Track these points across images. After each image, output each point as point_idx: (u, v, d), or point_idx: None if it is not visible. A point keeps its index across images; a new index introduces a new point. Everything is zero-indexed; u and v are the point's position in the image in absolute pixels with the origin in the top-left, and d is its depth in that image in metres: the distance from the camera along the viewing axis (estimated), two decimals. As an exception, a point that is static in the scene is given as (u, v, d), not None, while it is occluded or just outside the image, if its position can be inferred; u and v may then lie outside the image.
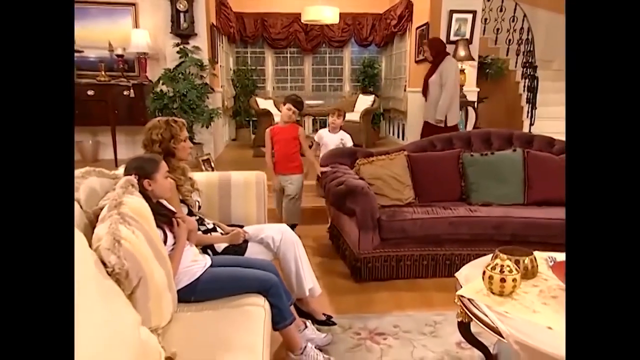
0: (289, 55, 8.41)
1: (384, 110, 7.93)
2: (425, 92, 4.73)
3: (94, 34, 5.37)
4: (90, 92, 5.10)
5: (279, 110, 7.19)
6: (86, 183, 1.80)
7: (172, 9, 5.10)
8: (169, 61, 5.17)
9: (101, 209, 1.65)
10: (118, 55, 5.28)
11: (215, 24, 5.94)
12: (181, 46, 5.09)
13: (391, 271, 3.04)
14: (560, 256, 2.10)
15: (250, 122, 7.83)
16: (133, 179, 1.74)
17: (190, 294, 1.85)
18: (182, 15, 5.14)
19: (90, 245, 1.40)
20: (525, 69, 6.35)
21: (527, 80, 6.24)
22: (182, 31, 5.16)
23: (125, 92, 5.14)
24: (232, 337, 1.59)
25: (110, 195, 1.76)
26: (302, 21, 6.97)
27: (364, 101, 7.18)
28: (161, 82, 4.97)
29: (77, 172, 1.81)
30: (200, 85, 5.03)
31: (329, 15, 6.88)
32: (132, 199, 1.62)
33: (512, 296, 1.82)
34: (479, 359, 2.15)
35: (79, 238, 1.35)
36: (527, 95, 6.18)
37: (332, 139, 3.96)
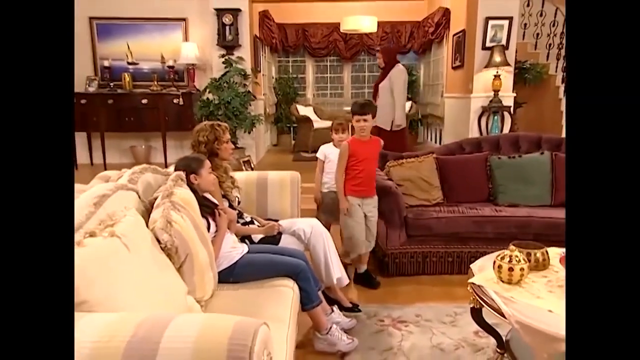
0: (328, 63, 8.70)
1: (422, 116, 8.04)
2: (375, 96, 4.85)
3: (148, 48, 5.86)
4: (144, 101, 5.58)
5: (318, 117, 7.52)
6: (143, 178, 2.11)
7: (219, 23, 5.48)
8: (215, 71, 5.55)
9: (155, 198, 1.96)
10: (169, 67, 5.72)
11: (258, 35, 6.30)
12: (226, 57, 5.46)
13: (417, 267, 3.21)
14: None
15: (291, 129, 8.16)
16: (182, 174, 2.03)
17: (228, 276, 2.11)
18: (227, 28, 5.51)
19: (147, 226, 1.69)
20: (565, 74, 6.31)
21: (567, 85, 6.21)
22: (227, 43, 5.53)
23: (175, 101, 5.57)
24: (263, 309, 1.83)
25: (162, 188, 2.07)
26: (341, 31, 7.25)
27: (402, 107, 7.33)
28: (208, 90, 5.36)
29: (136, 168, 2.13)
30: (244, 93, 5.38)
31: (367, 25, 7.12)
32: (181, 190, 1.90)
33: (520, 284, 1.97)
34: (493, 345, 2.29)
35: (139, 220, 1.65)
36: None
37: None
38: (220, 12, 5.45)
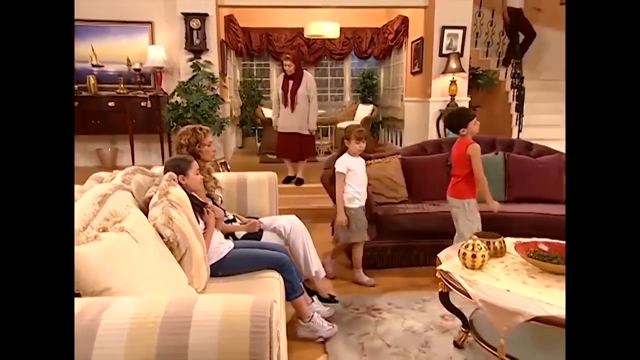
0: (292, 67, 8.88)
1: (383, 119, 8.36)
2: (292, 104, 4.87)
3: (114, 50, 5.83)
4: (110, 104, 5.56)
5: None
6: (135, 178, 2.23)
7: (186, 27, 5.55)
8: (183, 74, 5.61)
9: (149, 198, 2.08)
10: (136, 70, 5.73)
11: (224, 39, 6.39)
12: (194, 61, 5.54)
13: (387, 260, 3.45)
14: (524, 240, 2.50)
15: (256, 131, 8.28)
16: (174, 174, 2.16)
17: (218, 270, 2.25)
18: (195, 32, 5.58)
19: (148, 223, 1.82)
20: (513, 80, 6.78)
21: (515, 90, 6.67)
22: (195, 47, 5.60)
23: (143, 103, 5.59)
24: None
25: (154, 189, 2.20)
26: (305, 36, 7.45)
27: (364, 110, 7.63)
28: (176, 93, 5.41)
29: (128, 169, 2.24)
30: (212, 96, 5.47)
31: (330, 30, 7.37)
32: (175, 189, 2.04)
33: (482, 269, 2.23)
34: (458, 327, 2.54)
35: (142, 217, 1.79)
36: (516, 104, 6.60)
37: (359, 164, 3.22)
38: (187, 16, 5.52)
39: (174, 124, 5.37)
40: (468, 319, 2.46)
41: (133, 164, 5.65)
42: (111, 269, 1.39)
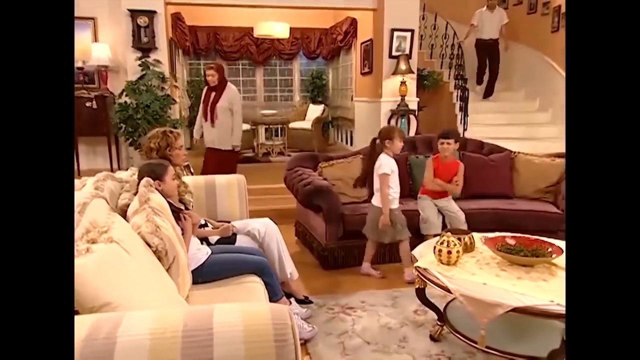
0: (241, 67, 8.76)
1: (333, 119, 8.46)
2: (212, 117, 4.59)
3: (53, 47, 5.46)
4: (51, 104, 5.21)
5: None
6: (107, 185, 2.12)
7: (133, 24, 5.31)
8: (130, 74, 5.36)
9: (126, 205, 2.00)
10: (78, 68, 5.40)
11: (172, 37, 6.19)
12: (143, 59, 5.31)
13: (353, 259, 3.50)
14: (491, 235, 2.64)
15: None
16: (150, 180, 2.08)
17: (197, 277, 2.20)
18: (142, 30, 5.36)
19: (132, 232, 1.74)
20: (457, 81, 7.10)
21: (459, 91, 6.99)
22: (143, 45, 5.37)
23: (88, 104, 5.29)
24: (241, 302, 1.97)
25: (126, 195, 2.11)
26: (255, 35, 7.37)
27: (315, 110, 7.68)
28: (124, 93, 5.17)
29: (99, 175, 2.13)
30: (163, 96, 5.28)
31: (279, 30, 7.35)
32: (155, 195, 1.96)
33: (457, 264, 2.34)
34: (431, 321, 2.65)
35: (127, 225, 1.71)
36: (460, 104, 6.92)
37: (396, 164, 3.28)
38: (134, 13, 5.29)
39: (123, 125, 5.14)
40: (443, 313, 2.57)
41: (78, 168, 5.34)
42: (109, 282, 1.33)
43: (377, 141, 3.29)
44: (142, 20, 5.34)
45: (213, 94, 4.59)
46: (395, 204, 3.25)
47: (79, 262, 1.28)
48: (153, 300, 1.47)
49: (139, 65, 5.30)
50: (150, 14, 5.33)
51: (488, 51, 7.04)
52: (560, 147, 5.76)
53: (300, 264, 3.52)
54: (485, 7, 6.95)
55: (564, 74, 6.49)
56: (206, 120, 4.65)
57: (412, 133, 6.30)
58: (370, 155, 3.32)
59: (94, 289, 1.27)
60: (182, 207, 2.51)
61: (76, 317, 1.09)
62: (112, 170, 5.13)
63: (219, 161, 4.58)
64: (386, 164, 3.16)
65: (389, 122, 6.25)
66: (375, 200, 3.29)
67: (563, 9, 6.55)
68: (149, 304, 1.41)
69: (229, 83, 4.75)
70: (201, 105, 4.76)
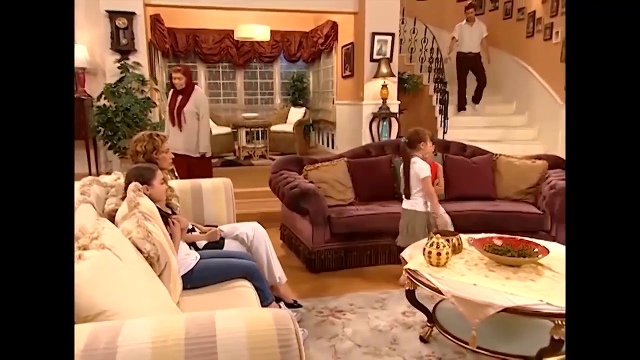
0: (221, 69, 8.69)
1: (314, 122, 8.46)
2: (178, 122, 4.38)
3: (27, 48, 5.32)
4: (26, 107, 5.06)
5: (214, 122, 7.48)
6: (92, 190, 2.07)
7: (112, 26, 5.22)
8: (109, 76, 5.26)
9: (113, 210, 1.95)
10: (54, 70, 5.27)
11: (151, 39, 6.10)
12: (122, 62, 5.22)
13: (340, 262, 3.51)
14: (478, 236, 2.68)
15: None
16: (139, 184, 2.04)
17: (187, 282, 2.16)
18: (121, 32, 5.27)
19: (122, 238, 1.70)
20: (436, 84, 7.19)
21: (439, 94, 7.08)
22: (121, 47, 5.27)
23: (65, 107, 5.15)
24: (235, 307, 1.95)
25: (112, 200, 2.06)
26: (235, 38, 7.32)
27: (296, 113, 7.67)
28: (103, 96, 5.06)
29: (85, 180, 2.08)
30: (143, 99, 5.19)
31: (260, 33, 7.32)
32: (145, 200, 1.93)
33: (446, 266, 2.36)
34: (420, 322, 2.67)
35: (117, 231, 1.67)
36: (440, 107, 7.01)
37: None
38: (112, 14, 5.20)
39: (102, 128, 5.03)
40: (432, 314, 2.59)
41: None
42: (104, 290, 1.29)
43: (407, 146, 3.22)
44: (121, 22, 5.25)
45: (180, 97, 4.37)
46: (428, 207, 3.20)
47: (75, 269, 1.24)
48: (147, 307, 1.44)
49: (118, 67, 5.20)
50: (129, 15, 5.25)
51: (470, 65, 7.08)
52: (536, 149, 5.97)
53: (287, 268, 3.49)
54: (464, 21, 7.01)
55: (539, 77, 6.73)
56: (173, 124, 4.40)
57: (393, 136, 6.36)
58: (404, 159, 3.27)
59: (89, 297, 1.24)
60: (169, 212, 2.47)
61: (73, 327, 1.06)
62: (90, 174, 5.02)
63: (188, 169, 4.29)
64: (424, 168, 3.14)
65: (370, 125, 6.30)
66: (408, 204, 3.21)
67: (538, 15, 6.73)
68: (143, 312, 1.37)
69: (196, 86, 4.58)
70: (167, 109, 4.54)
